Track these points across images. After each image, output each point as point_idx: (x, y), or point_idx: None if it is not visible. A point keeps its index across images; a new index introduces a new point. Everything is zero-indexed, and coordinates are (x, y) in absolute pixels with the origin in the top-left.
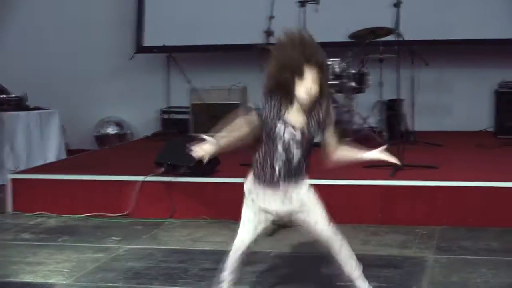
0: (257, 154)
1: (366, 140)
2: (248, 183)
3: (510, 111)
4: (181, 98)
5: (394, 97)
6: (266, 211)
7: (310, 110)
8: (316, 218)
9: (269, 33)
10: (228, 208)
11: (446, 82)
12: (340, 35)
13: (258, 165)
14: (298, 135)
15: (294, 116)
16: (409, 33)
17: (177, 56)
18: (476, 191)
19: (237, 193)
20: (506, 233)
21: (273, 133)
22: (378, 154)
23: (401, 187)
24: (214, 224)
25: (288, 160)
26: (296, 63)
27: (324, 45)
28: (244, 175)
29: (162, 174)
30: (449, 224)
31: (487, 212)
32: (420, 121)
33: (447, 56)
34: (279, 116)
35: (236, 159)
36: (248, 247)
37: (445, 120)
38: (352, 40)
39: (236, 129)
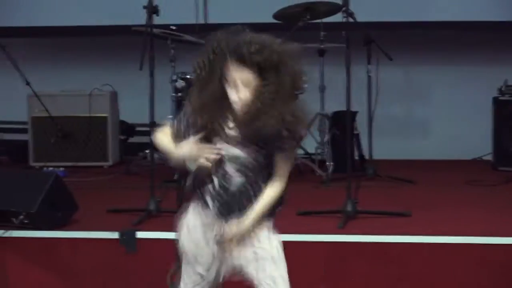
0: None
1: (300, 172)
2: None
3: None
4: (14, 109)
5: (343, 108)
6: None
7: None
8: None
9: (152, 9)
10: (93, 277)
11: (418, 85)
12: (261, 15)
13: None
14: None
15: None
16: (363, 12)
17: (9, 43)
18: (467, 250)
19: (106, 254)
20: None
21: None
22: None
23: (356, 244)
24: None
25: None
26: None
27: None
28: (114, 225)
29: None
30: None
31: (483, 281)
32: (381, 144)
33: (421, 47)
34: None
35: (101, 203)
36: None
37: (418, 144)
38: (278, 22)
39: None
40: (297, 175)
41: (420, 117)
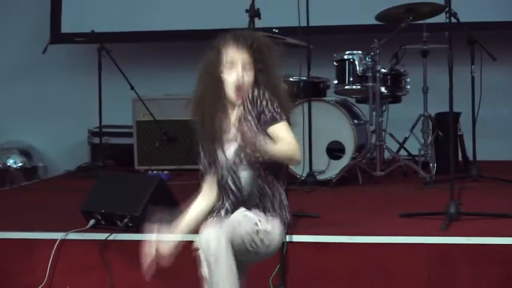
0: None
1: (403, 174)
2: None
3: None
4: (119, 113)
5: (446, 110)
6: None
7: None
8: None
9: (254, 12)
10: (197, 279)
11: None
12: (363, 16)
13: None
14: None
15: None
16: (466, 12)
17: (114, 48)
18: None
19: None
20: None
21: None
22: None
23: (459, 246)
24: None
25: (237, 190)
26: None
27: (337, 30)
28: None
29: (93, 229)
30: None
31: None
32: (485, 145)
33: None
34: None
35: None
36: None
37: None
38: (380, 23)
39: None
40: (400, 177)
41: None
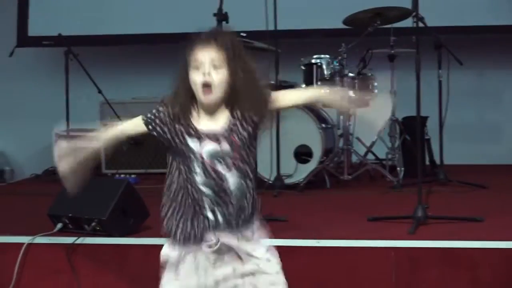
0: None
1: (371, 178)
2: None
3: None
4: (87, 116)
5: (413, 114)
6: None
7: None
8: None
9: (221, 16)
10: None
11: (490, 90)
12: (331, 20)
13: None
14: (226, 147)
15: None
16: (433, 17)
17: (81, 51)
18: None
19: None
20: None
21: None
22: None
23: (426, 250)
24: None
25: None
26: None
27: (305, 34)
28: None
29: (60, 233)
30: None
31: None
32: (452, 149)
33: (492, 51)
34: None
35: None
36: None
37: (491, 149)
38: (348, 27)
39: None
40: (368, 181)
41: (492, 122)
